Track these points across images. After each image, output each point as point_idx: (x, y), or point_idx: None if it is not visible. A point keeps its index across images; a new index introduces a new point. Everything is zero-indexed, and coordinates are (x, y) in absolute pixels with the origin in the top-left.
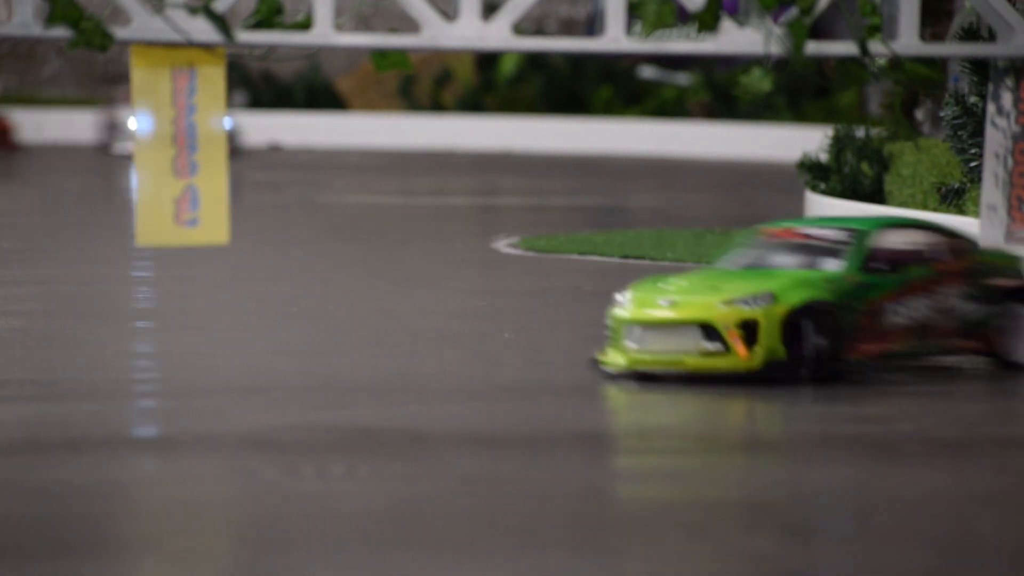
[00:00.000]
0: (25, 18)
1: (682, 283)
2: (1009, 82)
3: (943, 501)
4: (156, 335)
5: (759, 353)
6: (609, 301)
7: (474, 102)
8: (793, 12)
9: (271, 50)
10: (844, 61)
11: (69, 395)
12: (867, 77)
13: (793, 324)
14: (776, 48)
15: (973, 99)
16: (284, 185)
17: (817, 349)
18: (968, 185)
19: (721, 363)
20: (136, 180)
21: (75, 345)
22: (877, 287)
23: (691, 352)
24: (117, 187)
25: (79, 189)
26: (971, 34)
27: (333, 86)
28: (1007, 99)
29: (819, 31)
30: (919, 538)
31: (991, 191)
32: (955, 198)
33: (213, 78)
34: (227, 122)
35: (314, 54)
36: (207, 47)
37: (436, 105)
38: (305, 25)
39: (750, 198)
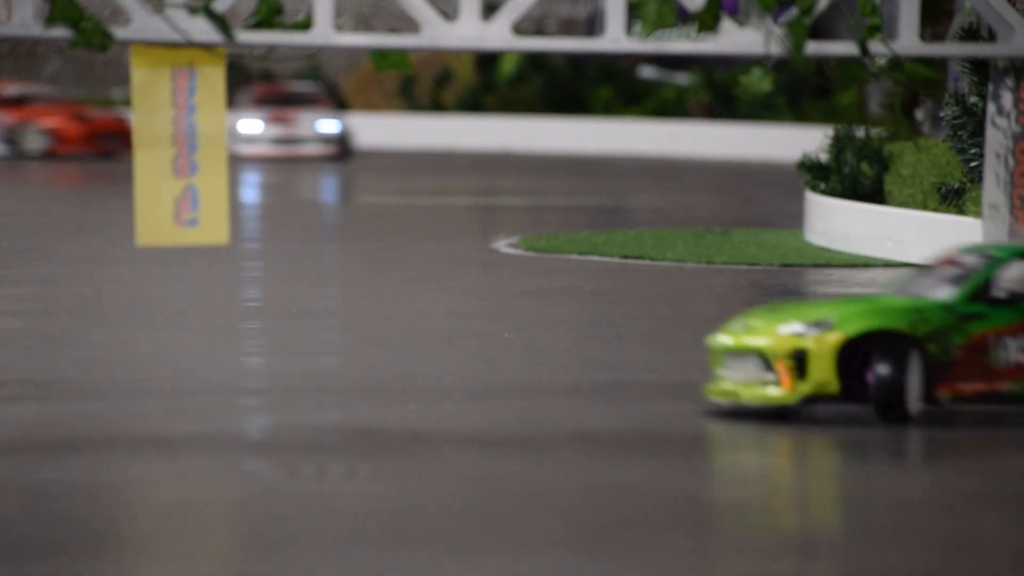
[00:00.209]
0: (25, 18)
1: (784, 308)
2: (1009, 82)
3: None
4: (156, 335)
5: (805, 386)
6: (609, 301)
7: (474, 102)
8: (793, 12)
9: (271, 50)
10: (844, 61)
11: (69, 395)
12: (867, 77)
13: (854, 356)
14: (776, 48)
15: (973, 99)
16: (284, 185)
17: (885, 385)
18: (968, 185)
19: (768, 395)
20: (136, 180)
21: (75, 345)
22: (985, 319)
23: (752, 382)
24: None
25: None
26: (971, 34)
27: (333, 86)
28: (1007, 99)
29: (819, 31)
30: None
31: (992, 191)
32: (955, 198)
33: (213, 78)
34: (339, 124)
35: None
36: (207, 47)
37: (436, 105)
38: (305, 25)
39: (750, 198)
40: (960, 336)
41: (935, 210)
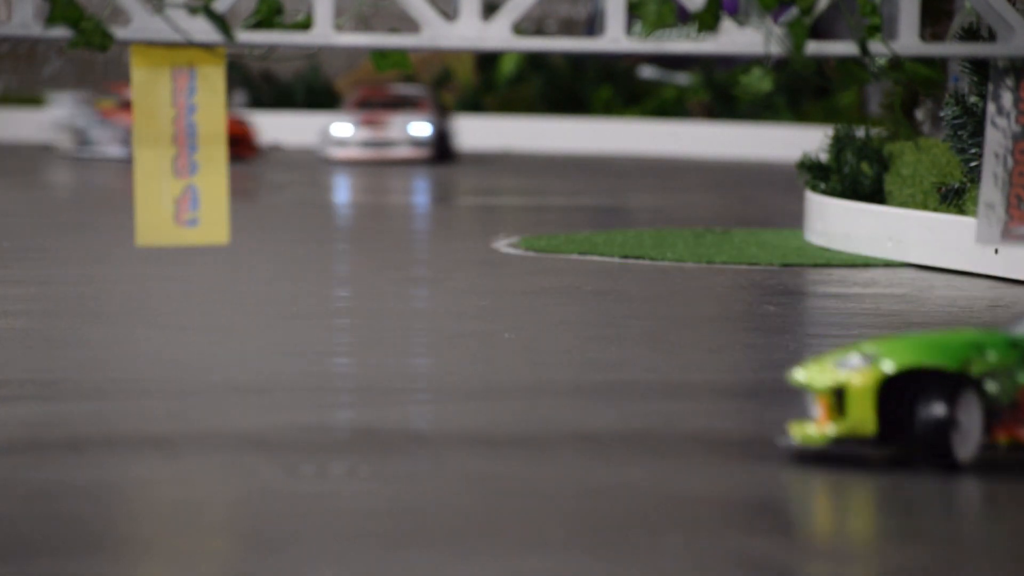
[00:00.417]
0: (25, 18)
1: (884, 340)
2: (1009, 82)
3: None
4: (156, 335)
5: (839, 426)
6: (609, 301)
7: (474, 102)
8: (793, 12)
9: (271, 50)
10: (844, 61)
11: (69, 395)
12: (867, 77)
13: (897, 394)
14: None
15: (973, 99)
16: (284, 185)
17: (928, 428)
18: (968, 185)
19: (807, 435)
20: (136, 180)
21: (75, 345)
22: None
23: (804, 420)
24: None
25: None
26: (971, 34)
27: (333, 86)
28: (1007, 99)
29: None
30: None
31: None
32: (955, 198)
33: (213, 78)
34: (431, 127)
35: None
36: (207, 47)
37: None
38: (305, 25)
39: (750, 198)
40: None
41: (935, 210)
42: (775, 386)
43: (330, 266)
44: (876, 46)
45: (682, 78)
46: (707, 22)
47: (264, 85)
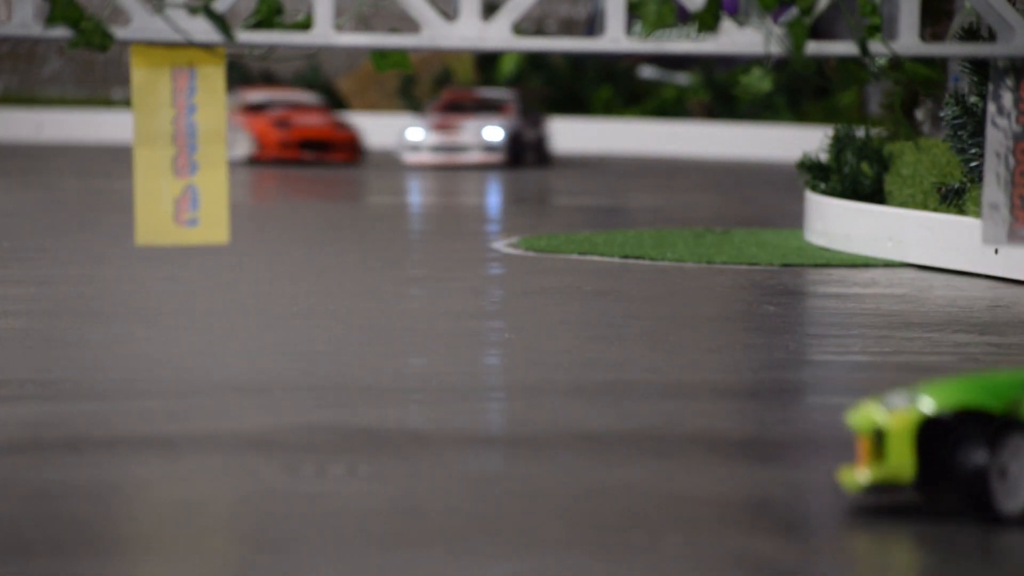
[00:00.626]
0: (25, 18)
1: (960, 378)
2: (1009, 82)
3: None
4: (156, 335)
5: (874, 471)
6: (609, 301)
7: None
8: (793, 12)
9: (271, 50)
10: (844, 61)
11: (69, 395)
12: (867, 77)
13: (937, 438)
14: (776, 48)
15: (973, 99)
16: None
17: (968, 475)
18: (968, 185)
19: (848, 479)
20: (136, 180)
21: (75, 345)
22: None
23: (852, 464)
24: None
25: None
26: (971, 34)
27: (333, 86)
28: (1007, 99)
29: (819, 31)
30: None
31: (993, 190)
32: (955, 198)
33: (213, 78)
34: (503, 131)
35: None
36: (207, 47)
37: None
38: (305, 25)
39: (750, 198)
40: None
41: (935, 210)
42: (775, 386)
43: (328, 266)
44: (876, 46)
45: (682, 78)
46: (707, 22)
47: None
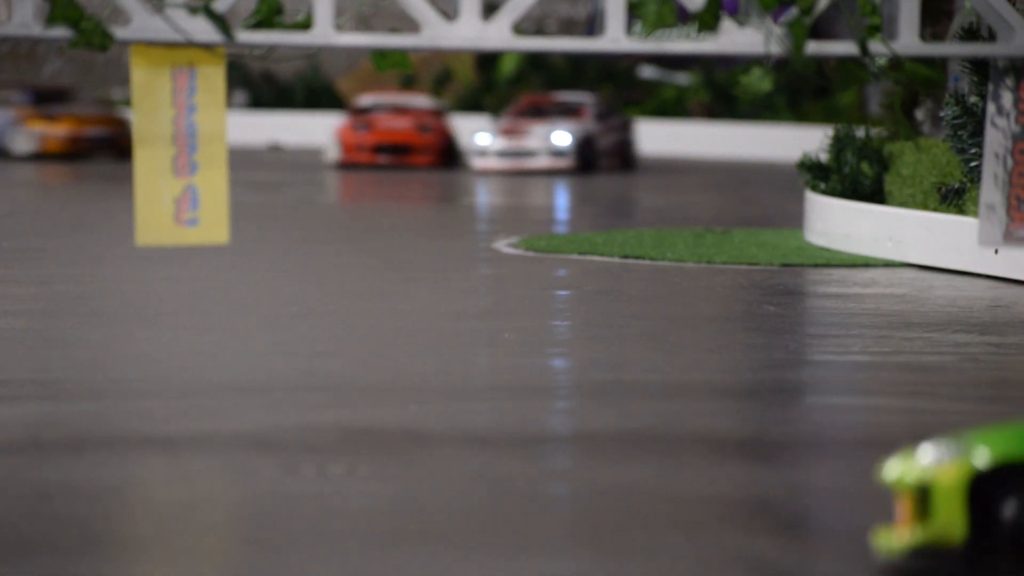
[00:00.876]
0: (25, 18)
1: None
2: (1009, 82)
3: None
4: (156, 335)
5: (920, 533)
6: (609, 301)
7: (474, 102)
8: (793, 12)
9: (271, 50)
10: (844, 61)
11: (69, 395)
12: (867, 77)
13: (989, 494)
14: (776, 48)
15: (973, 99)
16: (284, 185)
17: (1010, 532)
18: (968, 185)
19: (887, 543)
20: (136, 180)
21: (75, 345)
22: None
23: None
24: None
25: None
26: (971, 34)
27: (333, 86)
28: (1007, 99)
29: (819, 31)
30: None
31: (990, 191)
32: (955, 198)
33: (213, 78)
34: (571, 137)
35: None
36: (207, 47)
37: None
38: (305, 25)
39: (750, 198)
40: None
41: (935, 210)
42: (775, 386)
43: (328, 266)
44: (876, 46)
45: (682, 78)
46: (707, 22)
47: (264, 85)
